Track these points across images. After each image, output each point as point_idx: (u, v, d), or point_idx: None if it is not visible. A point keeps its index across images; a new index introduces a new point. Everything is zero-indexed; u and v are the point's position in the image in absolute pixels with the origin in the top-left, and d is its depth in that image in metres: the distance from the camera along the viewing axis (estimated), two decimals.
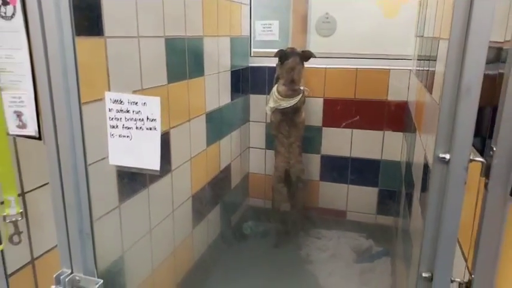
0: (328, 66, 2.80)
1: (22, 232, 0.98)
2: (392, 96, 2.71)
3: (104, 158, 1.28)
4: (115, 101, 0.79)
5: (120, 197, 1.58)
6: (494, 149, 0.57)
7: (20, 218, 0.94)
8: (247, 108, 3.04)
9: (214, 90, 2.40)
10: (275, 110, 2.61)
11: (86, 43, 1.35)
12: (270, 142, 2.96)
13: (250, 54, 3.00)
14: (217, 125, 2.51)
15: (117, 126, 0.80)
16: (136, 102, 0.78)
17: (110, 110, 0.80)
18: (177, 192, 2.03)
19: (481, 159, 0.60)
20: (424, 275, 0.66)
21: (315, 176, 2.99)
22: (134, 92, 1.62)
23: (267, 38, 2.95)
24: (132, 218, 1.68)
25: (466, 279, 0.64)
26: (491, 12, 0.55)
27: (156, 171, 0.81)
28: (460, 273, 0.76)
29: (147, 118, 0.78)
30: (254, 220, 3.01)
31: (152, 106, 0.78)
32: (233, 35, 2.64)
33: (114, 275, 1.61)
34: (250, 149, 3.14)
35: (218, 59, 2.43)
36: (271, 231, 2.88)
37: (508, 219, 0.57)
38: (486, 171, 0.59)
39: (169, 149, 1.92)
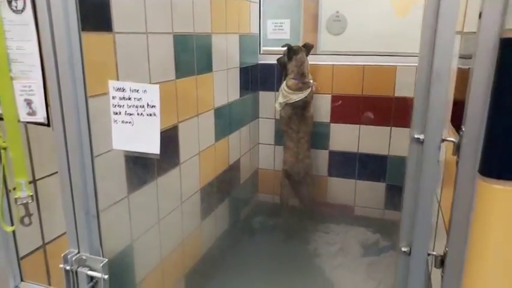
0: (335, 64, 2.84)
1: (32, 214, 1.04)
2: (399, 93, 2.73)
3: (112, 150, 1.34)
4: (118, 89, 0.85)
5: (128, 188, 1.64)
6: (464, 129, 0.60)
7: (30, 201, 1.00)
8: (256, 105, 3.09)
9: (222, 86, 2.45)
10: (285, 105, 2.67)
11: (95, 38, 1.41)
12: (279, 138, 3.01)
13: (260, 51, 3.05)
14: (226, 120, 2.56)
15: (120, 112, 0.86)
16: (138, 90, 0.84)
17: (113, 97, 0.86)
18: (186, 185, 2.08)
19: (452, 139, 0.63)
20: (403, 249, 0.70)
21: (323, 171, 3.03)
22: None
23: (278, 37, 3.00)
24: (140, 209, 1.74)
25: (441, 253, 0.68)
26: (457, 4, 0.59)
27: (156, 155, 0.86)
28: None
29: (148, 105, 0.84)
30: (263, 215, 3.06)
31: (152, 93, 0.83)
32: (242, 32, 2.69)
33: (123, 262, 1.67)
34: (260, 145, 3.19)
35: (226, 56, 2.48)
36: (280, 225, 2.92)
37: (476, 194, 0.61)
38: (457, 150, 0.63)
39: (178, 142, 1.97)
